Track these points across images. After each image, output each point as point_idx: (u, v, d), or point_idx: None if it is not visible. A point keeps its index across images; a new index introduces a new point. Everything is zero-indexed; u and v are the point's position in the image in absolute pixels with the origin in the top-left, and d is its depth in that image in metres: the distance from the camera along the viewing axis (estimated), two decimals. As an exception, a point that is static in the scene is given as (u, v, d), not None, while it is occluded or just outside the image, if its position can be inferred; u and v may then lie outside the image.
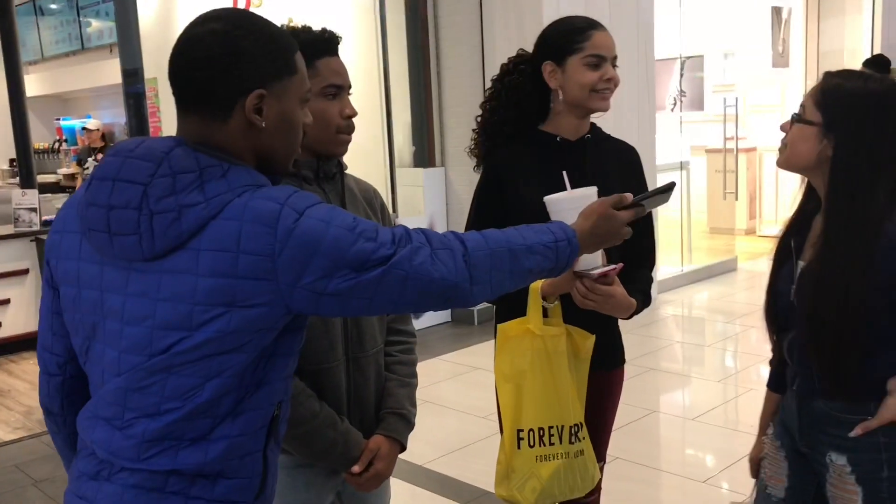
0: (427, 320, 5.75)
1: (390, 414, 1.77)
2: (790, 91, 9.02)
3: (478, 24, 5.67)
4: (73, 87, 9.29)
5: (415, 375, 1.87)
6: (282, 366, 1.27)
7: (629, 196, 1.45)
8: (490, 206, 1.99)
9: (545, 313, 1.88)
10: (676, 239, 7.09)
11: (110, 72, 7.31)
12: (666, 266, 6.81)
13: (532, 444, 1.87)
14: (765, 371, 1.90)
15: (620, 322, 2.05)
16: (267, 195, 1.18)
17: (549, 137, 1.99)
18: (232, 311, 1.16)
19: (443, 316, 5.90)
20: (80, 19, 8.75)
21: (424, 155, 6.02)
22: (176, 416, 1.19)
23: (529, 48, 2.05)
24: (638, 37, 5.95)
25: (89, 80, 8.73)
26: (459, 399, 4.50)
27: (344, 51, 1.69)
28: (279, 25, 1.33)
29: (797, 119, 1.62)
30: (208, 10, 1.26)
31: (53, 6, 9.18)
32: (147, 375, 1.19)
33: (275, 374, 1.26)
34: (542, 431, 1.87)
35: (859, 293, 1.52)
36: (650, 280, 2.05)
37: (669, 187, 1.51)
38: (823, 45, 8.72)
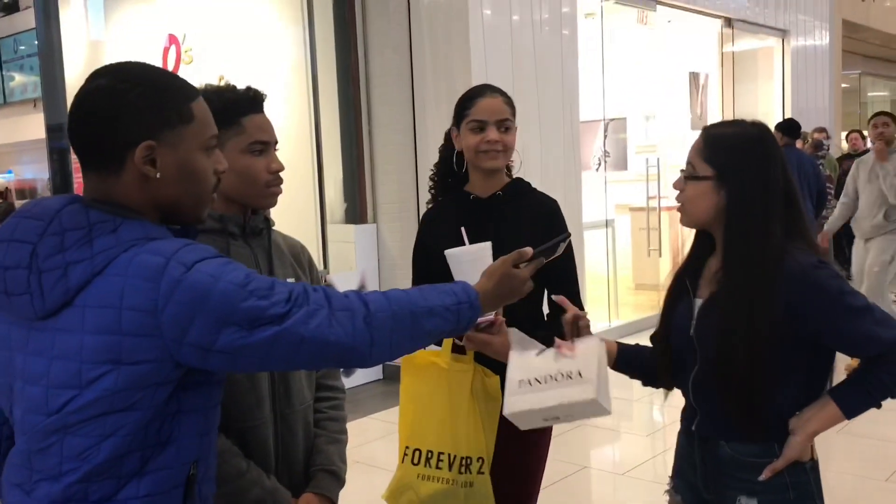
0: (359, 378, 5.68)
1: (320, 471, 1.75)
2: (709, 152, 9.35)
3: (409, 84, 5.78)
4: (-6, 142, 9.04)
5: (344, 432, 1.86)
6: (191, 423, 1.24)
7: (528, 252, 1.50)
8: (418, 260, 2.17)
9: (463, 350, 1.93)
10: (603, 295, 7.22)
11: (33, 126, 7.14)
12: (593, 322, 6.90)
13: (416, 461, 1.99)
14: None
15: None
16: (154, 249, 1.16)
17: (465, 196, 2.13)
18: (119, 368, 1.14)
19: (374, 373, 5.84)
20: (3, 73, 8.58)
21: (356, 211, 6.03)
22: (74, 477, 1.16)
23: (459, 108, 2.17)
24: (563, 99, 6.13)
25: (11, 134, 8.51)
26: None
27: (276, 108, 1.72)
28: (198, 84, 1.34)
29: (690, 177, 1.67)
30: (101, 66, 1.27)
31: (-25, 59, 8.97)
32: (45, 436, 1.16)
33: (182, 432, 1.22)
34: (430, 454, 1.98)
35: (763, 325, 1.56)
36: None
37: (564, 238, 1.62)
38: (738, 108, 9.14)
